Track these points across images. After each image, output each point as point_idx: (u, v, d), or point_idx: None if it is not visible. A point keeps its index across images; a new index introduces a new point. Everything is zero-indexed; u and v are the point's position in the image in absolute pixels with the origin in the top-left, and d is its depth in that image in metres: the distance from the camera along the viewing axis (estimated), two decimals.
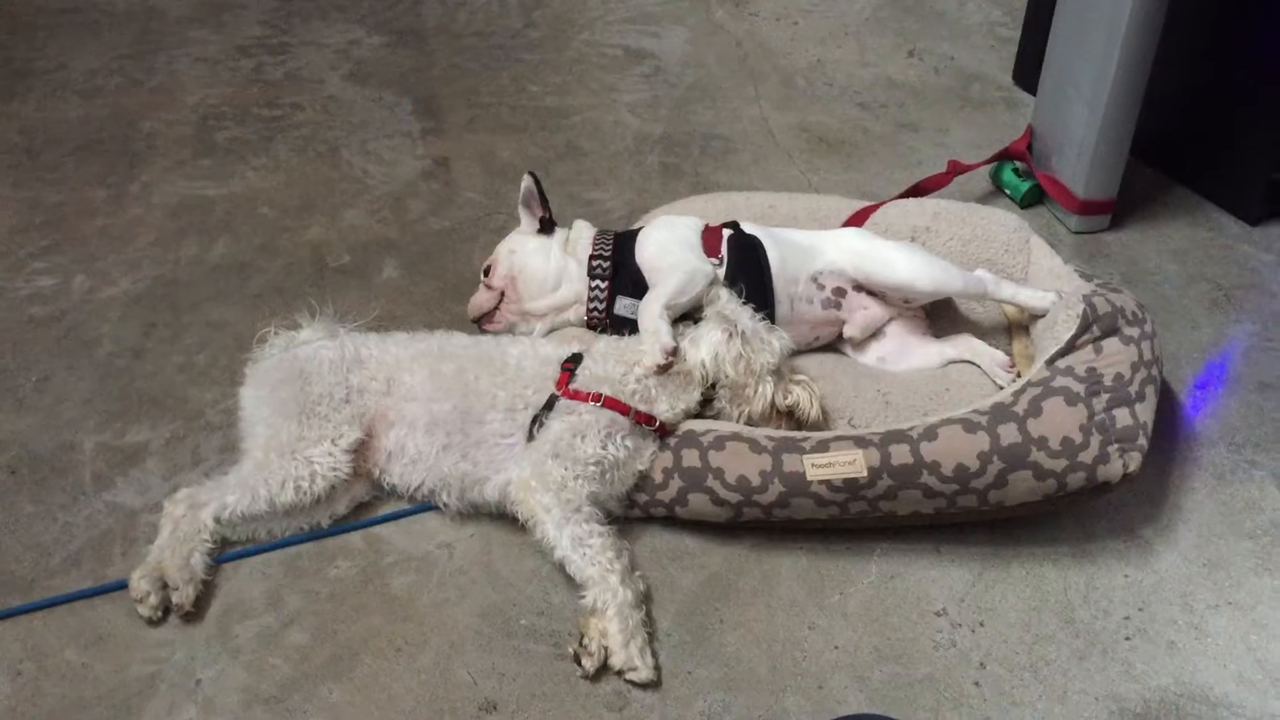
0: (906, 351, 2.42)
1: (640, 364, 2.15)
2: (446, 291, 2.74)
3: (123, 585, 2.00)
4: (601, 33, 3.90)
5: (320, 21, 3.96)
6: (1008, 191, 3.07)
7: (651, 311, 2.20)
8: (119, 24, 3.93)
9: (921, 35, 3.87)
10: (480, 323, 2.46)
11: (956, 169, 2.95)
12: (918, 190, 2.85)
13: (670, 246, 2.34)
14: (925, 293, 2.38)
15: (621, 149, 3.29)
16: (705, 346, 2.16)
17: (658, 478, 2.12)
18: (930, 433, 2.01)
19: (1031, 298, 2.38)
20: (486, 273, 2.45)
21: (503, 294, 2.43)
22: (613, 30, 3.92)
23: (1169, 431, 2.36)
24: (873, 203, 2.66)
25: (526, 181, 2.43)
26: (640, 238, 2.39)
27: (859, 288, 2.40)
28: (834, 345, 2.48)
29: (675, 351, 2.14)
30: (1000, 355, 2.37)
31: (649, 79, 3.64)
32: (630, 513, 2.17)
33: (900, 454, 2.00)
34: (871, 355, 2.44)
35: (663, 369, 2.14)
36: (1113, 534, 2.16)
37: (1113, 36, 2.65)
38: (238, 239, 2.92)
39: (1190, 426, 2.39)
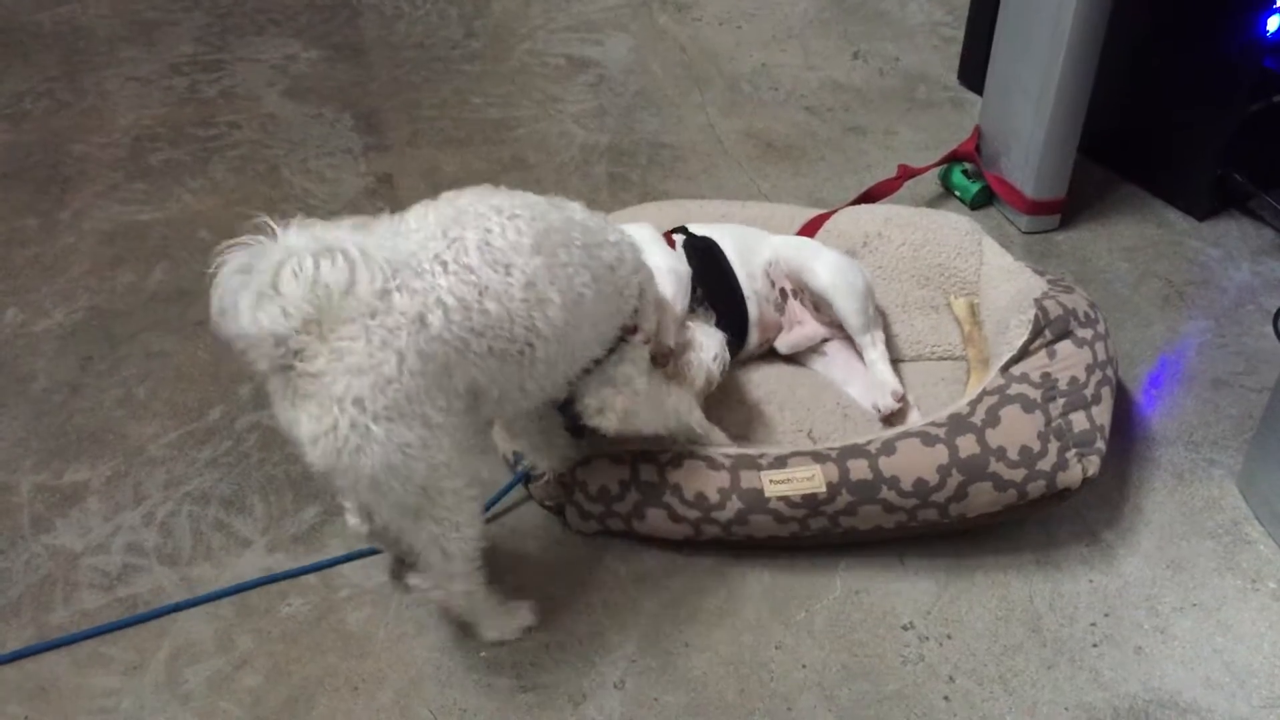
0: (847, 381, 2.37)
1: None
2: None
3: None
4: (544, 42, 3.85)
5: (255, 37, 3.86)
6: (957, 193, 3.06)
7: None
8: (46, 44, 3.81)
9: (865, 37, 3.85)
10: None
11: (907, 173, 2.93)
12: (869, 197, 2.83)
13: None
14: (838, 307, 2.32)
15: (568, 160, 3.25)
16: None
17: (614, 489, 2.07)
18: (888, 447, 1.99)
19: (878, 361, 2.32)
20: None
21: None
22: (555, 39, 3.86)
23: (1126, 432, 2.36)
24: (825, 210, 2.64)
25: None
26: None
27: (796, 293, 2.38)
28: (796, 357, 2.43)
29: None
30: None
31: (593, 88, 3.59)
32: (586, 526, 2.12)
33: (858, 469, 1.97)
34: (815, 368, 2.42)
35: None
36: (1076, 539, 2.15)
37: (1057, 34, 2.64)
38: (176, 265, 2.83)
39: (1147, 426, 2.38)
